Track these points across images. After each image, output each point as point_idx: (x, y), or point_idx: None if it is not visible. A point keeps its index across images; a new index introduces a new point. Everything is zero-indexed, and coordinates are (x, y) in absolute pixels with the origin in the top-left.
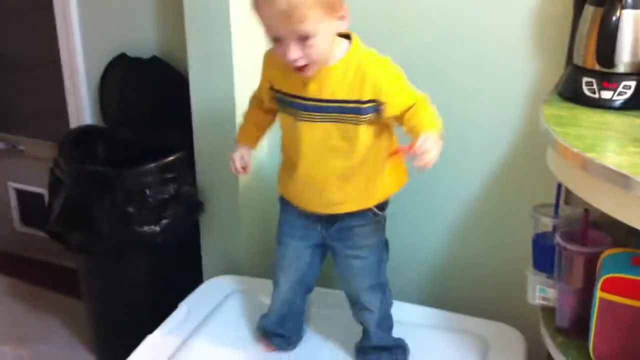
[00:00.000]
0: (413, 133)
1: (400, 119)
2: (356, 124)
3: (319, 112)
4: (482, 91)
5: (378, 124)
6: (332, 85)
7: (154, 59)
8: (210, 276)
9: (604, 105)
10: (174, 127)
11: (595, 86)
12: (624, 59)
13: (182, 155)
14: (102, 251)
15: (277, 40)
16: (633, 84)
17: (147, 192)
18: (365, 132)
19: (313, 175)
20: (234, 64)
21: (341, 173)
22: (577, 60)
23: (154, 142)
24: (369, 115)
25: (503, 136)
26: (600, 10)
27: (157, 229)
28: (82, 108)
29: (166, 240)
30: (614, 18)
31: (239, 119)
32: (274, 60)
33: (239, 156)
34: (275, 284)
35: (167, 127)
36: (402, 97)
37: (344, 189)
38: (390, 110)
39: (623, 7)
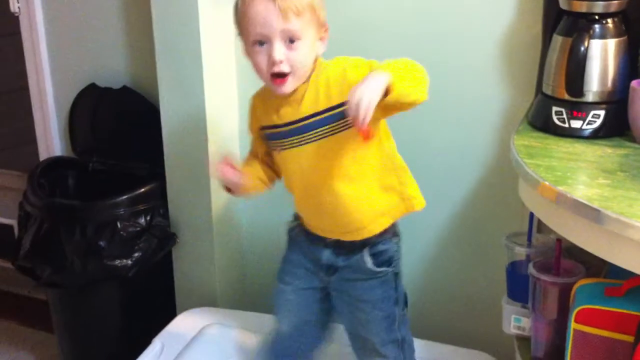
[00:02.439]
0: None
1: None
2: (339, 132)
3: (297, 135)
4: (453, 120)
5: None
6: (306, 102)
7: (125, 89)
8: (185, 309)
9: (574, 134)
10: (145, 157)
11: (564, 115)
12: (592, 88)
13: (154, 186)
14: (73, 286)
15: (261, 43)
16: (602, 113)
17: (118, 224)
18: (351, 140)
19: (318, 203)
20: (205, 94)
21: (344, 193)
22: (547, 89)
23: (125, 173)
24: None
25: (475, 164)
26: (569, 40)
27: (129, 262)
28: (52, 138)
29: (138, 273)
30: (582, 48)
31: (211, 148)
32: (258, 100)
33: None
34: (276, 323)
35: (138, 158)
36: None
37: (354, 209)
38: None
39: (591, 37)
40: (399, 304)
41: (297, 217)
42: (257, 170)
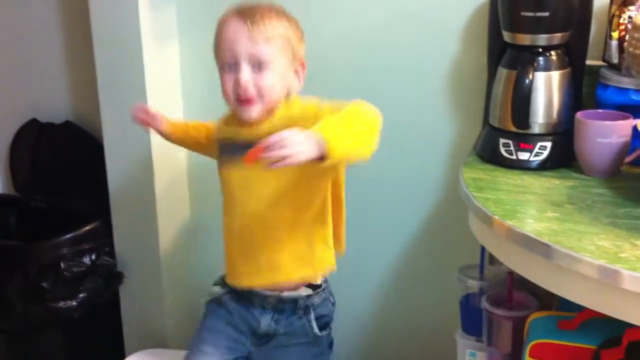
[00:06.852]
0: None
1: None
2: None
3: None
4: (403, 152)
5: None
6: (273, 124)
7: (67, 124)
8: (133, 350)
9: (521, 166)
10: (90, 194)
11: (512, 147)
12: (538, 120)
13: (99, 224)
14: (15, 330)
15: (230, 66)
16: (548, 144)
17: (62, 264)
18: (302, 177)
19: (250, 227)
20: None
21: (279, 225)
22: (493, 121)
23: (69, 211)
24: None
25: (426, 197)
26: (513, 72)
27: (74, 303)
28: None
29: (84, 314)
30: (527, 80)
31: (158, 184)
32: (222, 120)
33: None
34: None
35: (82, 195)
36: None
37: (282, 247)
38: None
39: (535, 70)
40: None
41: (224, 283)
42: (186, 133)
